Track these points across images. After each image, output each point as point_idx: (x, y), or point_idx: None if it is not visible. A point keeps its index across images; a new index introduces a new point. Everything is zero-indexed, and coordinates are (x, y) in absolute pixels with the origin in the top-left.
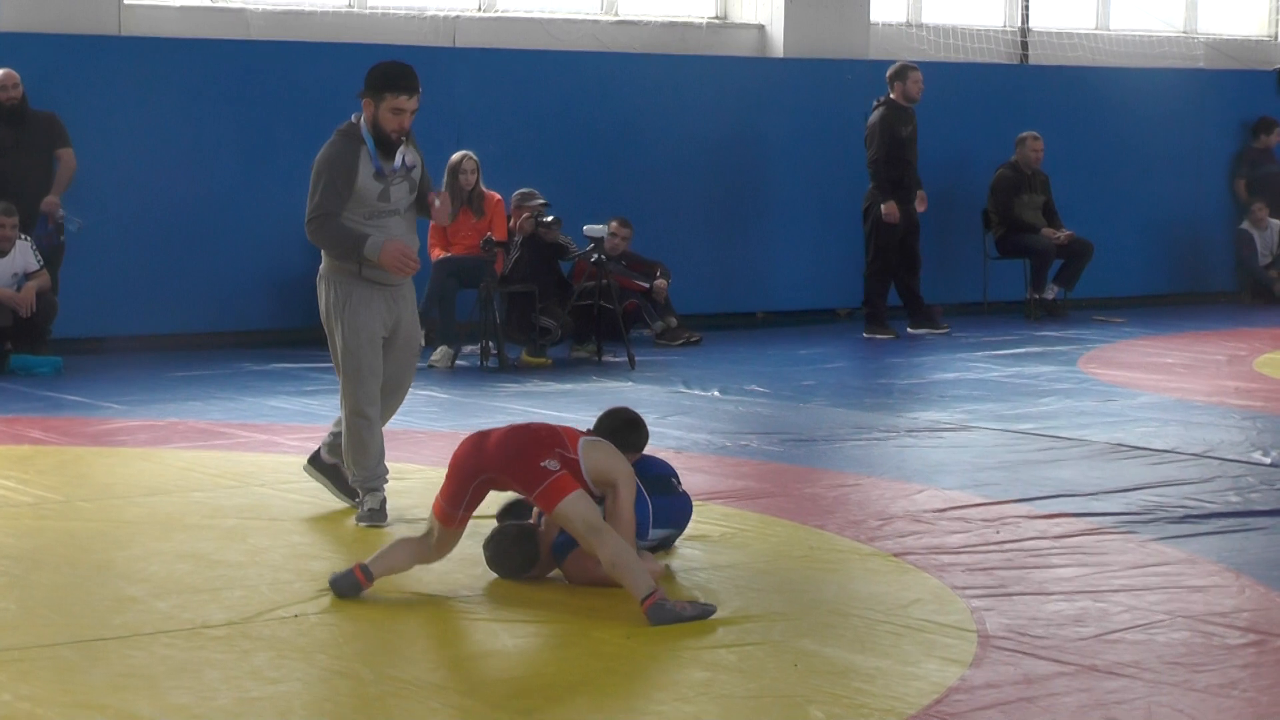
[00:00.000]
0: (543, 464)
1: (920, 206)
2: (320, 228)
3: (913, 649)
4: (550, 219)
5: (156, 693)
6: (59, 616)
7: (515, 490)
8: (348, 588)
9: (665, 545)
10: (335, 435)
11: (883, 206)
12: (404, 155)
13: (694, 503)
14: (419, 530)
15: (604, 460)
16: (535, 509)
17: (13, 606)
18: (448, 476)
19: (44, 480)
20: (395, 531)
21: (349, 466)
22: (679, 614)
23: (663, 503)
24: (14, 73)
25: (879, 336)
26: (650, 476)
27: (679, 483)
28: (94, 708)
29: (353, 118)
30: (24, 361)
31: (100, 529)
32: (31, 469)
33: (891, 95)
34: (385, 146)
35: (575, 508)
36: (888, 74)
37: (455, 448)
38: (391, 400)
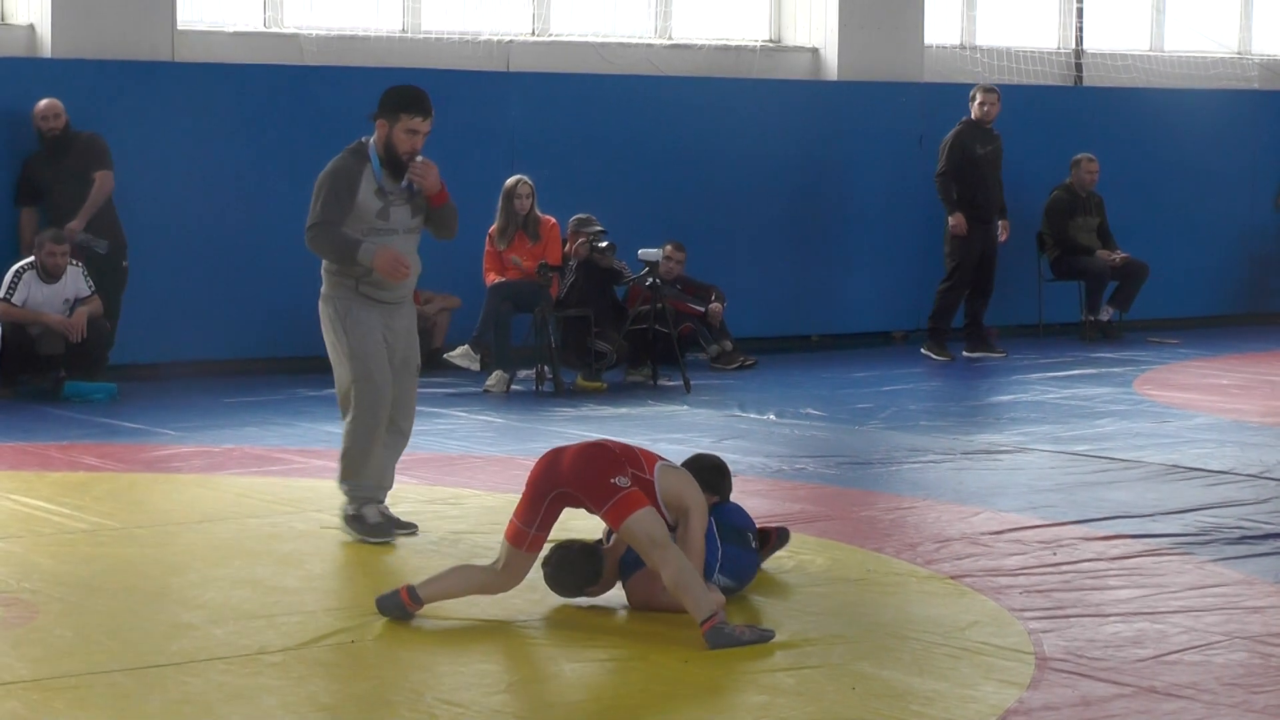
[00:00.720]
0: (613, 480)
1: (1002, 236)
2: (319, 234)
3: (970, 671)
4: (605, 244)
5: (213, 719)
6: (115, 643)
7: (587, 507)
8: (393, 609)
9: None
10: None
11: (950, 218)
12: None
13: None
14: (483, 560)
15: (680, 485)
16: (605, 528)
17: (69, 633)
18: (523, 493)
19: (100, 507)
20: (398, 545)
21: (343, 478)
22: (737, 638)
23: (733, 552)
24: (57, 102)
25: (935, 357)
26: (728, 524)
27: (754, 539)
28: None
29: (362, 139)
30: (79, 388)
31: (156, 555)
32: (87, 496)
33: (973, 115)
34: (395, 168)
35: (643, 523)
36: (970, 94)
37: (513, 471)
38: (402, 423)
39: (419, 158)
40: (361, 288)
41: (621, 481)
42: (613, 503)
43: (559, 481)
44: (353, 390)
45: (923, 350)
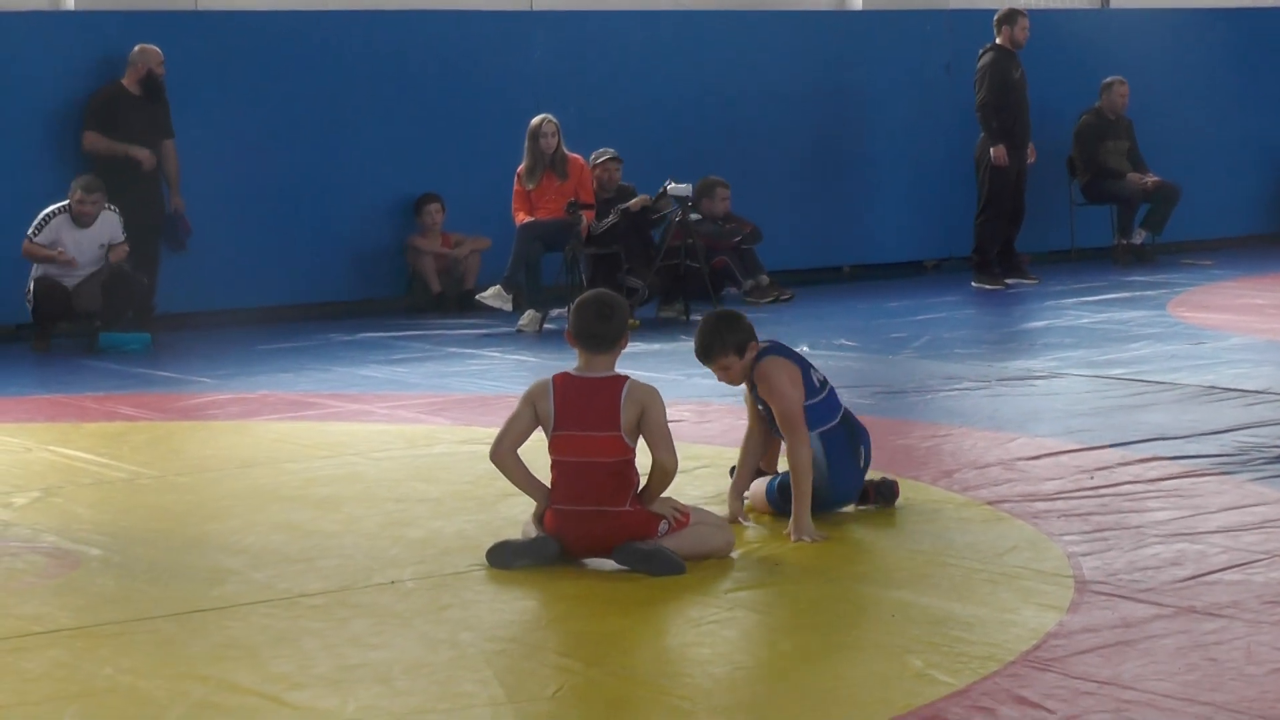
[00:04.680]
0: (659, 528)
1: (1030, 158)
2: None
3: (1010, 596)
4: (635, 200)
5: (256, 662)
6: (156, 590)
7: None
8: (549, 549)
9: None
10: None
11: (993, 151)
12: None
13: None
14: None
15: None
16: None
17: (110, 581)
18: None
19: (138, 456)
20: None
21: None
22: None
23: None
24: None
25: (987, 286)
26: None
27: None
28: (195, 678)
29: None
30: (113, 339)
31: (194, 502)
32: (125, 445)
33: (999, 40)
34: None
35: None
36: (995, 18)
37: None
38: None
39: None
40: None
41: (663, 527)
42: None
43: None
44: None
45: (973, 284)
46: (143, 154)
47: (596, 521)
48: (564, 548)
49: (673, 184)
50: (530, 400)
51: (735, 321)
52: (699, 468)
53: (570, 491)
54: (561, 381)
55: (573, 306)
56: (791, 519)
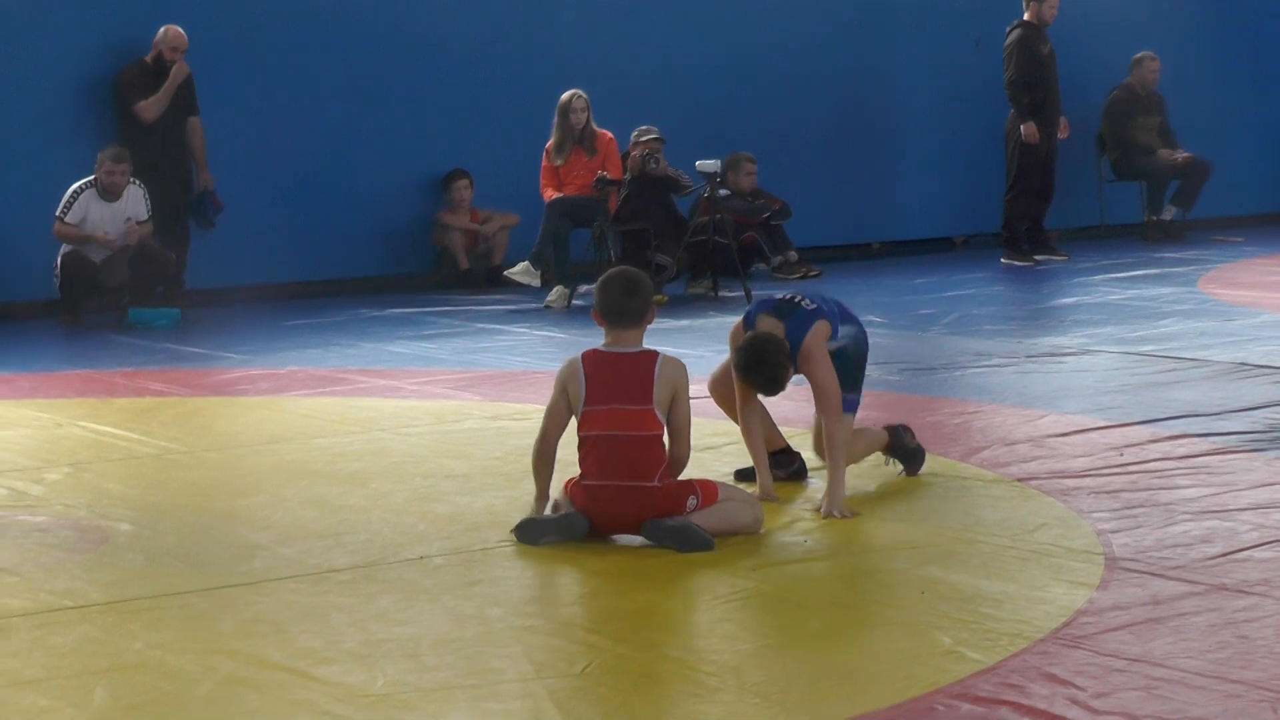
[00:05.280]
0: (689, 501)
1: (1062, 133)
2: None
3: (1039, 573)
4: (650, 153)
5: (285, 637)
6: (186, 565)
7: None
8: (578, 526)
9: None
10: None
11: (1023, 128)
12: None
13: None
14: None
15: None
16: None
17: (140, 556)
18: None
19: (166, 432)
20: None
21: None
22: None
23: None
24: (184, 35)
25: (1017, 263)
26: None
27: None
28: (223, 653)
29: None
30: (142, 315)
31: (223, 478)
32: (154, 421)
33: (1026, 16)
34: None
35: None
36: None
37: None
38: None
39: None
40: None
41: (692, 503)
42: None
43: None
44: None
45: (1003, 260)
46: (179, 68)
47: (627, 497)
48: (592, 524)
49: (700, 161)
50: (562, 385)
51: (777, 341)
52: (727, 444)
53: (601, 467)
54: (591, 358)
55: (598, 284)
56: (825, 494)
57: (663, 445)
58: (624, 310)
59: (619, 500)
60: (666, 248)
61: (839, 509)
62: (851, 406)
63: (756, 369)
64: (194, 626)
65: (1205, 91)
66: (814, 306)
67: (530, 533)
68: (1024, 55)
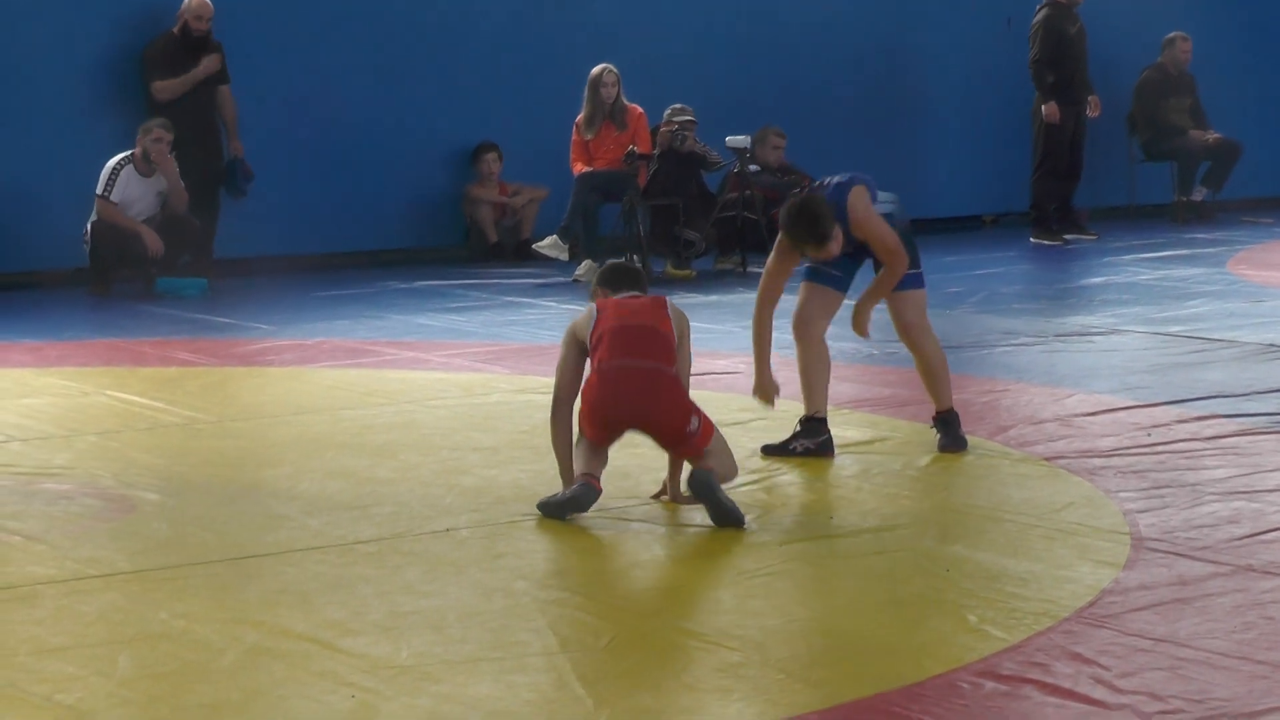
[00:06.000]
0: (688, 430)
1: (1092, 111)
2: None
3: (1066, 553)
4: (679, 129)
5: (310, 608)
6: (211, 534)
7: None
8: (588, 498)
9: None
10: None
11: (1044, 108)
12: None
13: (841, 411)
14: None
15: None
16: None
17: (166, 526)
18: (590, 421)
19: (193, 401)
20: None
21: None
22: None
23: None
24: (211, 4)
25: (1046, 242)
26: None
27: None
28: (249, 623)
29: None
30: (171, 284)
31: (250, 448)
32: (180, 390)
33: None
34: None
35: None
36: None
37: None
38: None
39: None
40: None
41: (694, 424)
42: (688, 446)
43: (629, 424)
44: None
45: (1032, 240)
46: (211, 61)
47: (649, 378)
48: (606, 420)
49: (729, 137)
50: (571, 333)
51: (819, 197)
52: (754, 420)
53: (613, 352)
54: (601, 302)
55: (598, 275)
56: (863, 298)
57: (675, 354)
58: (632, 275)
59: (642, 380)
60: (695, 223)
61: (864, 316)
62: (919, 281)
63: (799, 218)
64: (219, 596)
65: (1237, 73)
66: (846, 176)
67: (551, 510)
68: (1049, 35)
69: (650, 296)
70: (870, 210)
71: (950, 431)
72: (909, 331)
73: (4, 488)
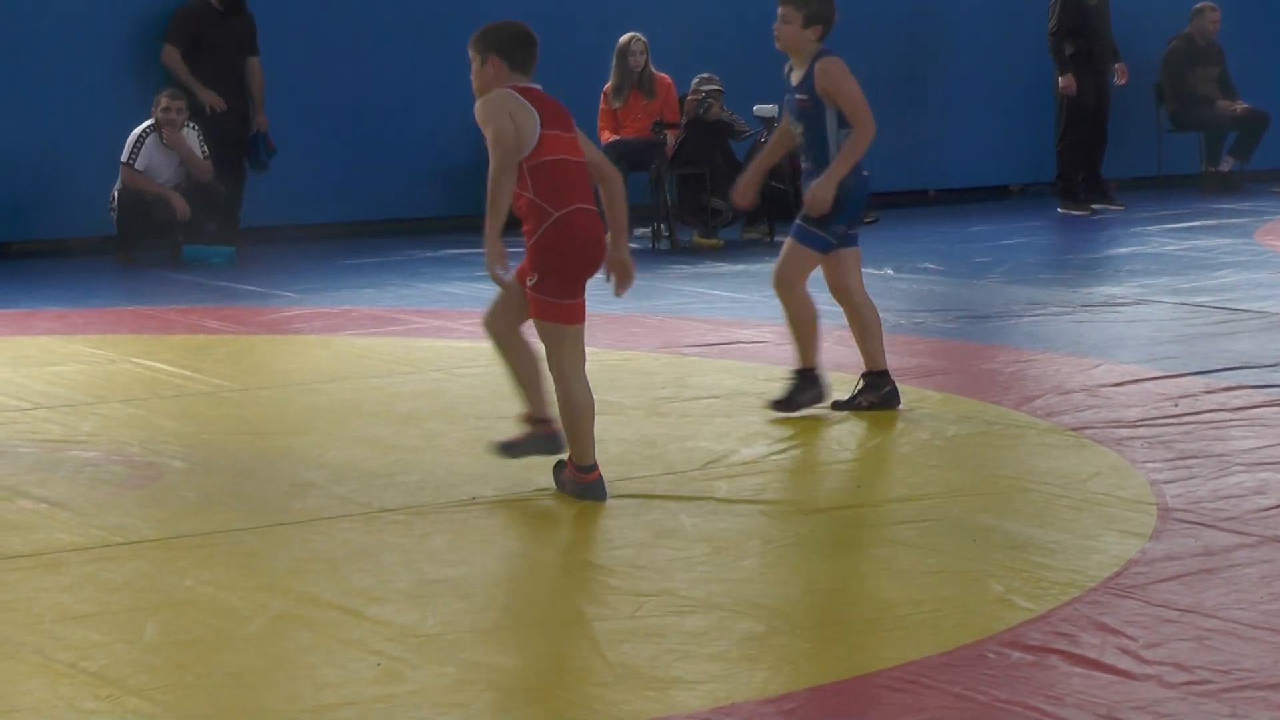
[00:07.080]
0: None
1: (1120, 79)
2: None
3: (1092, 523)
4: (705, 97)
5: (337, 576)
6: (238, 502)
7: None
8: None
9: None
10: None
11: (1061, 80)
12: None
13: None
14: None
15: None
16: None
17: (192, 493)
18: (570, 276)
19: (220, 369)
20: None
21: None
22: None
23: None
24: None
25: (1074, 212)
26: None
27: None
28: (276, 590)
29: None
30: (197, 252)
31: (277, 416)
32: (208, 358)
33: None
34: None
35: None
36: None
37: (630, 329)
38: None
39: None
40: None
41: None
42: None
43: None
44: None
45: (1059, 210)
46: (210, 98)
47: (597, 222)
48: (581, 265)
49: (757, 105)
50: (508, 114)
51: None
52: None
53: (575, 191)
54: (524, 91)
55: (490, 36)
56: (830, 171)
57: None
58: (534, 45)
59: (597, 224)
60: (722, 192)
61: (827, 190)
62: (854, 240)
63: None
64: (246, 564)
65: (1265, 43)
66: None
67: (511, 450)
68: (1068, 6)
69: (559, 105)
70: (843, 71)
71: (877, 390)
72: (847, 292)
73: (30, 455)
